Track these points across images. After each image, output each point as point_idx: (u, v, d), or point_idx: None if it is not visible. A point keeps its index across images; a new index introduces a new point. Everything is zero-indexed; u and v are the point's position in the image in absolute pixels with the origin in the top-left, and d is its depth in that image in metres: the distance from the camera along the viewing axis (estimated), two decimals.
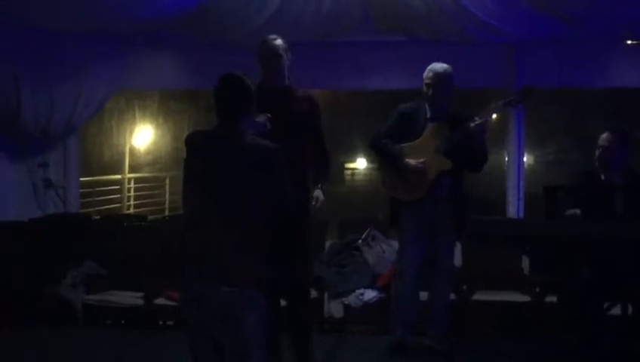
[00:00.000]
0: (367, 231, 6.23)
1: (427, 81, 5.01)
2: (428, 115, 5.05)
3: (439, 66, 5.01)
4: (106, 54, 6.75)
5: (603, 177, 4.83)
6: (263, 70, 4.65)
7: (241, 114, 3.56)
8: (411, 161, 4.95)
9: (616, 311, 4.83)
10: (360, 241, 6.22)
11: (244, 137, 3.54)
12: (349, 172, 18.57)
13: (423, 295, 5.24)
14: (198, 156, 3.55)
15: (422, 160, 4.93)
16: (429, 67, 5.04)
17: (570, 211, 4.78)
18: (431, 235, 5.03)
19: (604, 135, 4.82)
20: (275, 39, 4.63)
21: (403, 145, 5.02)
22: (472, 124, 4.85)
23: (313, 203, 4.71)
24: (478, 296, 5.81)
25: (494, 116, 5.34)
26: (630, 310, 4.73)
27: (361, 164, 18.09)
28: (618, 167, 4.78)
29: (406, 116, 5.10)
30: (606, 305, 4.80)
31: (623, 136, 4.81)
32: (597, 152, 4.82)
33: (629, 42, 6.69)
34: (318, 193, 4.73)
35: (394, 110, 5.17)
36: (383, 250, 6.14)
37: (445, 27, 6.14)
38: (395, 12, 5.97)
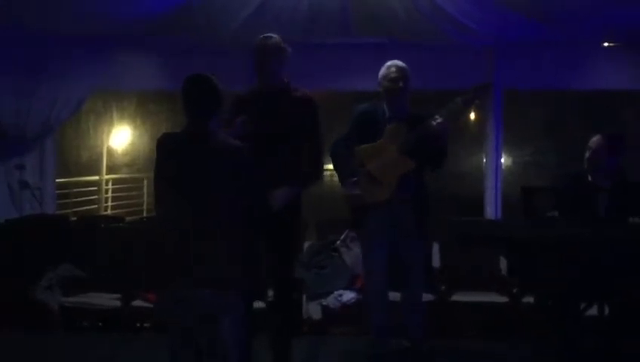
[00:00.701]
0: (345, 233, 6.23)
1: (392, 75, 4.90)
2: (387, 115, 4.96)
3: (399, 62, 4.95)
4: (84, 56, 6.71)
5: (590, 179, 4.87)
6: (257, 70, 4.56)
7: (210, 113, 3.55)
8: (352, 192, 4.87)
9: (593, 311, 4.87)
10: (338, 243, 6.22)
11: (214, 137, 3.53)
12: (327, 173, 18.60)
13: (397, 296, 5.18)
14: (170, 158, 3.54)
15: (380, 163, 4.86)
16: (387, 64, 4.96)
17: (551, 213, 4.81)
18: (398, 236, 4.94)
19: (595, 138, 4.87)
20: (271, 37, 4.52)
21: (364, 146, 4.93)
22: (434, 123, 4.76)
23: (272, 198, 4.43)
24: (457, 297, 5.82)
25: (470, 113, 5.29)
26: (607, 311, 4.78)
27: None
28: (606, 170, 4.82)
29: (365, 117, 5.01)
30: (583, 305, 4.83)
31: (614, 141, 4.85)
32: (586, 154, 4.86)
33: (606, 44, 6.74)
34: (280, 193, 4.44)
35: (354, 111, 5.09)
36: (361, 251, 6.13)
37: (424, 29, 6.15)
38: (373, 14, 5.97)
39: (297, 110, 4.57)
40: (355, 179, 4.88)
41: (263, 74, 4.55)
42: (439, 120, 4.77)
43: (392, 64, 4.95)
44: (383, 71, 4.98)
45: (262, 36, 4.55)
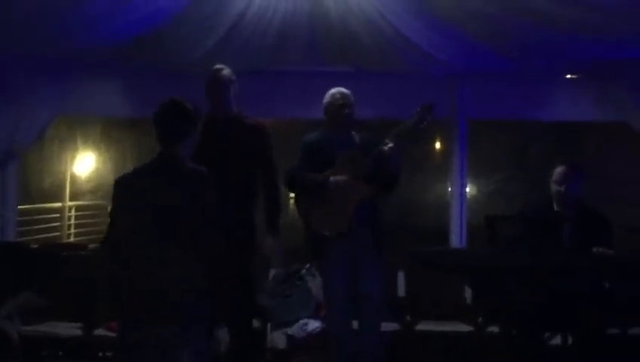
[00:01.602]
0: (311, 261, 6.21)
1: (339, 102, 4.92)
2: (336, 144, 4.95)
3: (343, 89, 4.98)
4: (49, 80, 6.63)
5: (555, 208, 4.91)
6: (210, 100, 4.65)
7: (182, 137, 3.54)
8: (337, 178, 4.84)
9: (557, 340, 4.90)
10: (304, 271, 6.19)
11: (182, 162, 3.51)
12: (292, 201, 18.58)
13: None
14: (132, 193, 3.50)
15: (344, 178, 4.84)
16: (331, 92, 4.99)
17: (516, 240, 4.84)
18: (354, 267, 4.90)
19: (560, 168, 4.91)
20: (222, 69, 4.66)
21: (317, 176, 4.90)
22: (386, 148, 4.76)
23: (269, 253, 4.74)
24: (422, 327, 5.81)
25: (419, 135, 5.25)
26: (570, 340, 4.80)
27: None
28: (570, 200, 4.86)
29: (315, 146, 4.99)
30: (547, 334, 4.86)
31: (576, 170, 4.91)
32: (554, 186, 4.90)
33: (569, 76, 6.84)
34: (272, 243, 4.74)
35: (302, 142, 5.05)
36: None
37: (390, 59, 6.20)
38: (341, 43, 6.00)
39: (250, 137, 4.70)
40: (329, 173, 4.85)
41: (215, 103, 4.68)
42: (390, 144, 4.77)
43: (337, 91, 4.99)
44: (327, 99, 5.00)
45: (214, 68, 4.71)
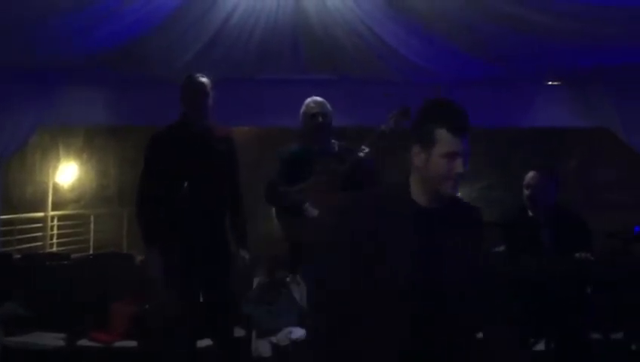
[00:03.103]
0: (294, 269, 6.20)
1: (314, 111, 4.88)
2: (313, 152, 4.91)
3: (318, 97, 4.95)
4: (31, 89, 6.60)
5: (530, 214, 4.92)
6: (187, 107, 4.61)
7: None
8: (311, 210, 4.78)
9: (541, 346, 4.92)
10: (288, 279, 6.19)
11: None
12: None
13: None
14: None
15: (319, 206, 4.78)
16: (306, 101, 4.96)
17: (498, 248, 4.85)
18: None
19: (531, 173, 4.92)
20: (202, 77, 4.61)
21: (295, 187, 4.86)
22: (362, 153, 4.75)
23: (241, 266, 4.74)
24: None
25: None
26: (553, 345, 4.82)
27: None
28: (545, 204, 4.88)
29: (293, 156, 4.94)
30: (532, 340, 4.88)
31: (549, 174, 4.92)
32: (525, 191, 4.91)
33: (550, 83, 6.88)
34: (243, 253, 4.75)
35: (279, 153, 5.01)
36: None
37: (374, 67, 6.22)
38: (325, 51, 6.02)
39: (221, 147, 4.69)
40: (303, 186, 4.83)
41: (194, 111, 4.61)
42: (366, 150, 4.76)
43: (311, 100, 4.96)
44: (302, 108, 4.97)
45: (193, 75, 4.63)
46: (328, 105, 4.95)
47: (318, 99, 4.95)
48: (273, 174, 4.95)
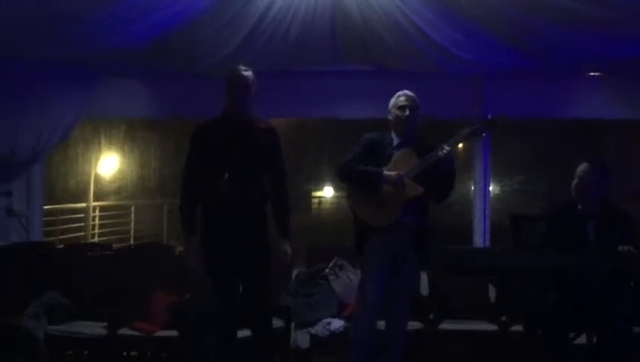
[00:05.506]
0: (333, 261, 6.21)
1: (401, 103, 4.96)
2: (395, 144, 5.01)
3: (408, 91, 5.02)
4: (73, 83, 6.69)
5: (579, 207, 4.88)
6: (231, 99, 4.69)
7: None
8: (391, 173, 4.83)
9: (582, 340, 4.87)
10: (327, 270, 6.19)
11: None
12: (316, 200, 18.61)
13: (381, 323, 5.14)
14: None
15: (400, 172, 4.84)
16: (398, 93, 5.03)
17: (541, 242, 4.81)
18: (394, 264, 4.90)
19: (582, 166, 4.87)
20: (246, 70, 4.69)
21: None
22: (442, 152, 4.80)
23: (282, 257, 4.78)
24: (445, 326, 5.80)
25: (460, 145, 5.31)
26: (595, 339, 4.78)
27: (328, 192, 18.12)
28: (594, 199, 4.83)
29: (374, 143, 5.02)
30: (572, 334, 4.83)
31: (600, 169, 4.87)
32: (574, 183, 4.87)
33: (591, 74, 6.79)
34: (285, 247, 4.79)
35: (361, 138, 5.10)
36: (350, 279, 6.10)
37: (413, 58, 6.19)
38: (363, 43, 6.00)
39: (264, 140, 4.77)
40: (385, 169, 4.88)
41: (236, 104, 4.69)
42: (447, 149, 4.81)
43: (402, 93, 5.04)
44: (392, 100, 5.05)
45: (237, 69, 4.72)
46: (417, 100, 5.00)
47: (409, 93, 5.02)
48: (344, 157, 4.99)
